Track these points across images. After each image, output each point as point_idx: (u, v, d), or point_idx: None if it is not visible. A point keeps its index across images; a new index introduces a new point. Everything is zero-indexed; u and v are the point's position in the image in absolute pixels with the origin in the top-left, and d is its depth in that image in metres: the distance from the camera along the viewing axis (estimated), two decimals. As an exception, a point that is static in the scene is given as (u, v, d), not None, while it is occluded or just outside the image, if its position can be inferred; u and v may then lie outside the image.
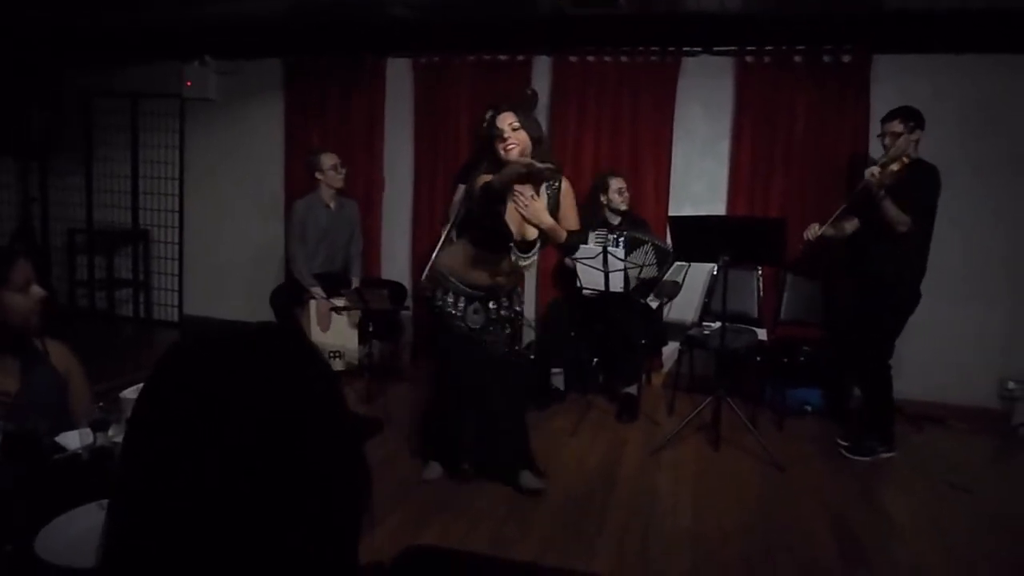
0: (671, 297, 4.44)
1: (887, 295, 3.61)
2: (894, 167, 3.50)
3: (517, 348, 3.17)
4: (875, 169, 3.49)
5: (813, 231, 3.84)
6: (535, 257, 2.95)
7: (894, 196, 3.47)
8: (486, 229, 2.94)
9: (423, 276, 3.29)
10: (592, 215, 4.48)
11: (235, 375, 0.65)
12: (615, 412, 4.22)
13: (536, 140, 2.90)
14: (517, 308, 3.16)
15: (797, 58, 4.49)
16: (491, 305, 3.06)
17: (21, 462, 1.44)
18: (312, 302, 4.59)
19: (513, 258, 2.92)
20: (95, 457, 1.50)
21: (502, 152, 2.86)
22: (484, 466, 3.17)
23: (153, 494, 0.63)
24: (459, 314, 3.03)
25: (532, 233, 2.90)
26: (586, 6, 4.30)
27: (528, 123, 2.88)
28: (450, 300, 3.04)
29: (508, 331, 3.12)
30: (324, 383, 0.70)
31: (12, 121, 5.67)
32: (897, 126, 3.59)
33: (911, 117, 3.59)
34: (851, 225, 3.85)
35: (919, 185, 3.51)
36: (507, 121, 2.88)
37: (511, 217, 2.92)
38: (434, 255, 3.35)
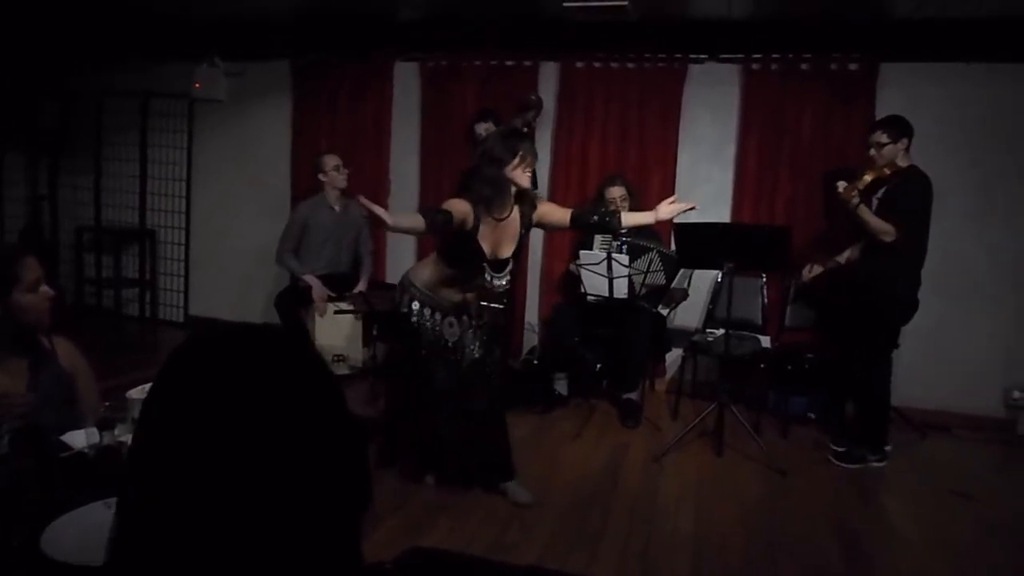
0: (680, 302, 4.45)
1: (881, 305, 3.61)
2: (867, 177, 3.51)
3: (493, 354, 3.13)
4: (842, 184, 3.50)
5: (806, 273, 3.90)
6: (509, 276, 2.97)
7: (883, 205, 3.48)
8: (460, 249, 2.93)
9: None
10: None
11: (241, 375, 0.66)
12: (618, 417, 4.22)
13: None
14: (496, 319, 3.16)
15: (804, 65, 4.49)
16: (464, 318, 3.07)
17: (29, 457, 1.45)
18: (316, 305, 4.61)
19: (488, 278, 2.94)
20: (101, 456, 1.51)
21: (521, 177, 2.87)
22: (469, 472, 3.14)
23: (160, 491, 0.64)
24: (435, 327, 3.04)
25: (506, 252, 2.94)
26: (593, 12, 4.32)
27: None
28: (427, 313, 3.04)
29: (484, 338, 3.10)
30: (326, 385, 0.71)
31: (22, 117, 5.72)
32: (881, 136, 3.60)
33: (895, 127, 3.61)
34: (843, 256, 3.92)
35: (907, 193, 3.53)
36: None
37: (484, 237, 2.91)
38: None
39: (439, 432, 3.10)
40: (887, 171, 3.53)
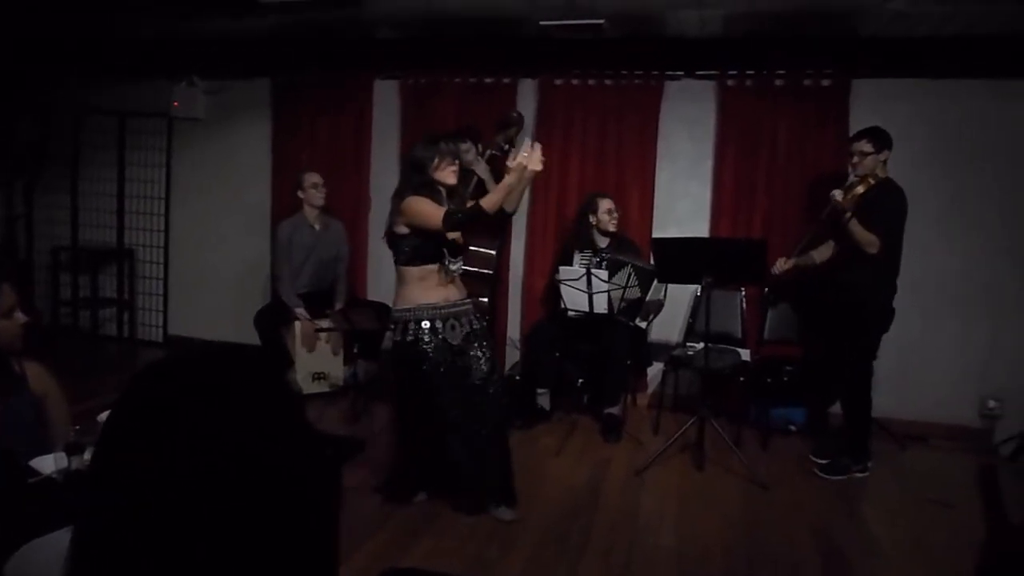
0: (656, 313, 4.46)
1: (861, 314, 3.66)
2: (859, 189, 3.58)
3: (496, 369, 3.16)
4: (839, 192, 3.56)
5: (780, 265, 3.93)
6: (462, 260, 3.08)
7: (862, 215, 3.54)
8: (433, 243, 3.00)
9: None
10: (579, 236, 4.51)
11: (196, 400, 0.66)
12: (599, 432, 4.22)
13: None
14: (485, 327, 3.22)
15: (778, 82, 4.56)
16: (463, 319, 3.07)
17: (-5, 485, 1.43)
18: (297, 323, 4.59)
19: (446, 263, 3.02)
20: (70, 481, 1.49)
21: (446, 176, 3.01)
22: (472, 495, 3.11)
23: (117, 517, 0.63)
24: (440, 336, 2.99)
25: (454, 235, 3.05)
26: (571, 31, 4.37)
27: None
28: (425, 327, 2.99)
29: (487, 350, 3.11)
30: (287, 405, 0.71)
31: (-1, 137, 5.68)
32: (866, 146, 3.66)
33: (879, 138, 3.66)
34: (819, 254, 3.94)
35: (886, 205, 3.58)
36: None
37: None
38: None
39: (450, 457, 3.05)
40: (871, 180, 3.59)
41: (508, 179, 2.89)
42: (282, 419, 0.70)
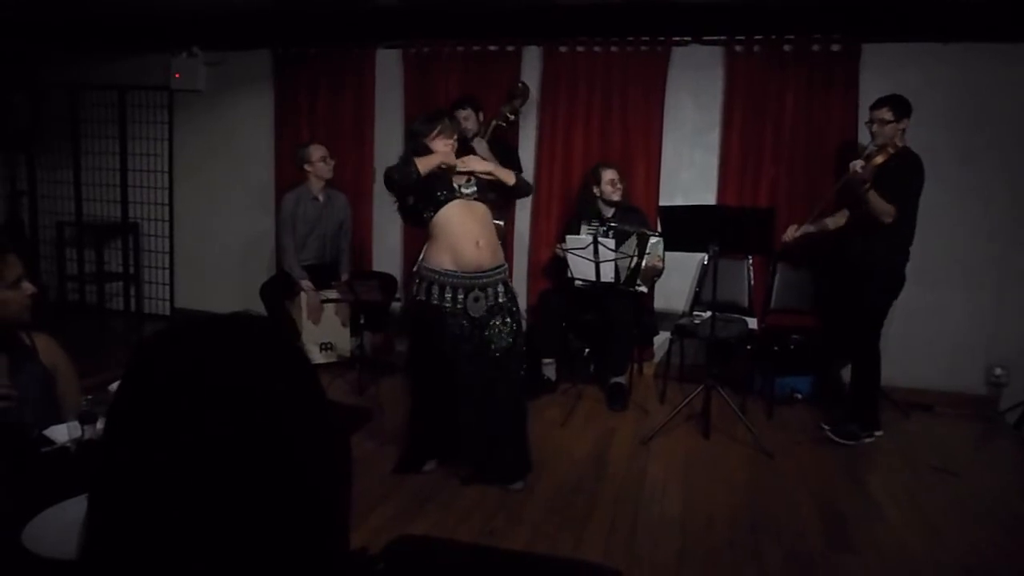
0: (657, 277, 4.42)
1: (873, 281, 3.65)
2: (878, 159, 3.54)
3: (519, 343, 3.11)
4: (859, 163, 3.52)
5: (791, 233, 3.91)
6: (475, 187, 3.05)
7: (880, 185, 3.50)
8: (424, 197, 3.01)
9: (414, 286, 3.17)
10: (585, 206, 4.49)
11: (210, 364, 0.65)
12: (605, 402, 4.24)
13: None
14: (514, 298, 3.13)
15: (786, 47, 4.49)
16: (489, 291, 3.01)
17: (8, 455, 1.44)
18: (303, 294, 4.60)
19: (458, 191, 3.01)
20: (83, 450, 1.50)
21: (439, 146, 3.04)
22: (483, 469, 3.10)
23: (133, 484, 0.63)
24: (459, 307, 2.95)
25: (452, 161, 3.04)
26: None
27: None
28: (448, 295, 2.95)
29: (510, 322, 3.04)
30: (300, 371, 0.70)
31: (-1, 113, 5.64)
32: (886, 114, 3.61)
33: (900, 106, 3.62)
34: (832, 221, 3.94)
35: (903, 173, 3.55)
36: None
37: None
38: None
39: (462, 428, 3.04)
40: (890, 150, 3.55)
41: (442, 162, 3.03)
42: (295, 384, 0.70)
